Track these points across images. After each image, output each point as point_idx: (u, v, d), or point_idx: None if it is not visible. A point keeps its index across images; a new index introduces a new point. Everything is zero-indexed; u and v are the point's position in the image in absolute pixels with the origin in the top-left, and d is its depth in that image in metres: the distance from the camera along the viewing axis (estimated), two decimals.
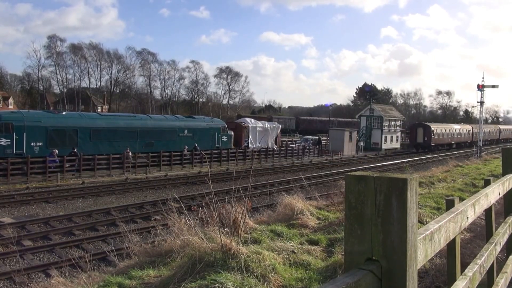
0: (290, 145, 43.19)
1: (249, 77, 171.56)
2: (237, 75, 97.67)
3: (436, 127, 54.82)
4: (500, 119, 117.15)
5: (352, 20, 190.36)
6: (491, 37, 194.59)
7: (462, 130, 61.08)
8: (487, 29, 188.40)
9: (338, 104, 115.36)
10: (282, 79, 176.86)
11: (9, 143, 21.72)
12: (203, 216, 5.59)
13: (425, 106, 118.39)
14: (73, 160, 23.40)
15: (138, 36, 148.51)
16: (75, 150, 23.79)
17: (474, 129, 58.65)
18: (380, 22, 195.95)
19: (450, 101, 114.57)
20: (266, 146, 37.06)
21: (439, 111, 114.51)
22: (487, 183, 3.54)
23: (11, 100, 73.81)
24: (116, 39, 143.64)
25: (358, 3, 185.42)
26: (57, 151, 22.86)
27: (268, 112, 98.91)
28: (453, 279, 2.48)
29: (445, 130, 56.89)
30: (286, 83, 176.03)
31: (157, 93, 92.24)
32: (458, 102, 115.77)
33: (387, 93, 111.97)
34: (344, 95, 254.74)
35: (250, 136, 37.29)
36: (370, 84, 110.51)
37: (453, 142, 57.47)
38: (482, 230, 5.70)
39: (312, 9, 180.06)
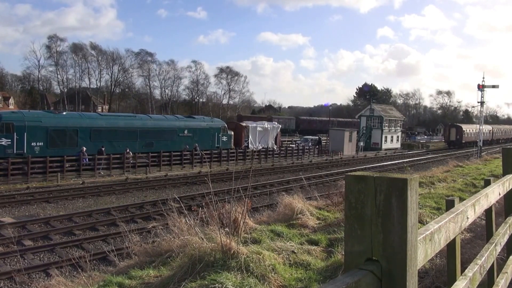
0: (290, 145, 43.19)
1: (248, 77, 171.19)
2: (237, 75, 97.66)
3: (466, 127, 64.91)
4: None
5: (348, 21, 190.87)
6: (488, 37, 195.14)
7: (485, 130, 69.41)
8: (483, 29, 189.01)
9: (338, 104, 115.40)
10: (281, 79, 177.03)
11: (10, 143, 21.73)
12: (203, 216, 5.59)
13: (425, 106, 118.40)
14: (100, 158, 24.07)
15: (137, 37, 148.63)
16: (103, 148, 24.52)
17: (494, 129, 72.43)
18: (376, 22, 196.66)
19: (450, 101, 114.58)
20: (266, 146, 37.07)
21: (439, 111, 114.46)
22: (487, 183, 3.53)
23: (11, 100, 73.72)
24: (115, 39, 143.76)
25: (353, 4, 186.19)
26: (85, 148, 23.69)
27: (268, 112, 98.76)
28: (453, 279, 2.48)
29: (473, 130, 65.65)
30: (285, 83, 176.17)
31: (157, 93, 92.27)
32: (459, 102, 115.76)
33: (387, 93, 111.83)
34: (343, 95, 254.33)
35: (250, 136, 37.29)
36: (370, 84, 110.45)
37: (478, 140, 62.98)
38: (482, 230, 5.71)
39: (308, 10, 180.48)
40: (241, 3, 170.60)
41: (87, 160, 23.63)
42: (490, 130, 71.87)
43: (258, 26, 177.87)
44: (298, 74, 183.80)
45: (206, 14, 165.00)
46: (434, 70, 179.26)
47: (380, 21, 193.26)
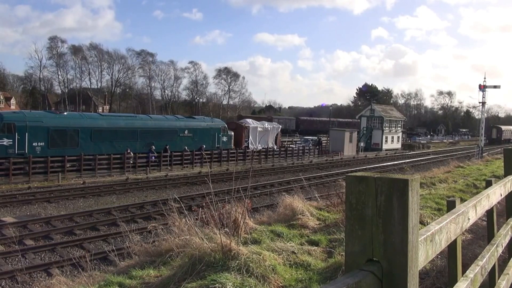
0: (291, 145, 43.17)
1: (246, 78, 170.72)
2: (236, 75, 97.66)
3: (505, 128, 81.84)
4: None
5: (343, 22, 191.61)
6: (483, 38, 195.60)
7: None
8: (478, 29, 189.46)
9: (338, 104, 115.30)
10: (279, 80, 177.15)
11: (11, 143, 21.76)
12: (203, 216, 5.59)
13: (426, 107, 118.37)
14: (165, 156, 26.46)
15: (136, 37, 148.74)
16: (167, 146, 27.03)
17: None
18: (370, 23, 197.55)
19: (451, 102, 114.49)
20: (266, 147, 37.05)
21: (440, 112, 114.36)
22: (488, 184, 3.52)
23: (13, 101, 73.83)
24: (114, 40, 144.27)
25: (347, 5, 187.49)
26: (154, 146, 26.31)
27: (268, 112, 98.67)
28: (454, 281, 2.47)
29: (510, 129, 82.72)
30: (283, 84, 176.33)
31: (157, 94, 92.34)
32: (460, 102, 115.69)
33: (388, 93, 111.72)
34: (341, 95, 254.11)
35: (250, 137, 37.28)
36: (370, 84, 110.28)
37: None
38: (484, 231, 5.70)
39: (302, 11, 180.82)
40: (235, 5, 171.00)
41: (154, 158, 25.88)
42: None
43: (254, 27, 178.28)
44: (296, 74, 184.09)
45: (201, 15, 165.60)
46: (432, 71, 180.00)
47: (374, 22, 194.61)
